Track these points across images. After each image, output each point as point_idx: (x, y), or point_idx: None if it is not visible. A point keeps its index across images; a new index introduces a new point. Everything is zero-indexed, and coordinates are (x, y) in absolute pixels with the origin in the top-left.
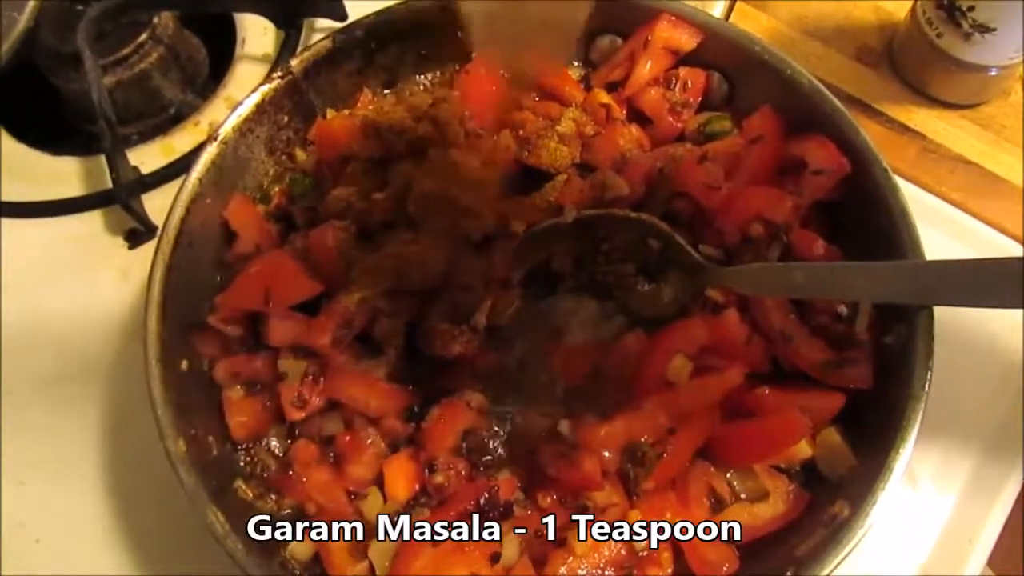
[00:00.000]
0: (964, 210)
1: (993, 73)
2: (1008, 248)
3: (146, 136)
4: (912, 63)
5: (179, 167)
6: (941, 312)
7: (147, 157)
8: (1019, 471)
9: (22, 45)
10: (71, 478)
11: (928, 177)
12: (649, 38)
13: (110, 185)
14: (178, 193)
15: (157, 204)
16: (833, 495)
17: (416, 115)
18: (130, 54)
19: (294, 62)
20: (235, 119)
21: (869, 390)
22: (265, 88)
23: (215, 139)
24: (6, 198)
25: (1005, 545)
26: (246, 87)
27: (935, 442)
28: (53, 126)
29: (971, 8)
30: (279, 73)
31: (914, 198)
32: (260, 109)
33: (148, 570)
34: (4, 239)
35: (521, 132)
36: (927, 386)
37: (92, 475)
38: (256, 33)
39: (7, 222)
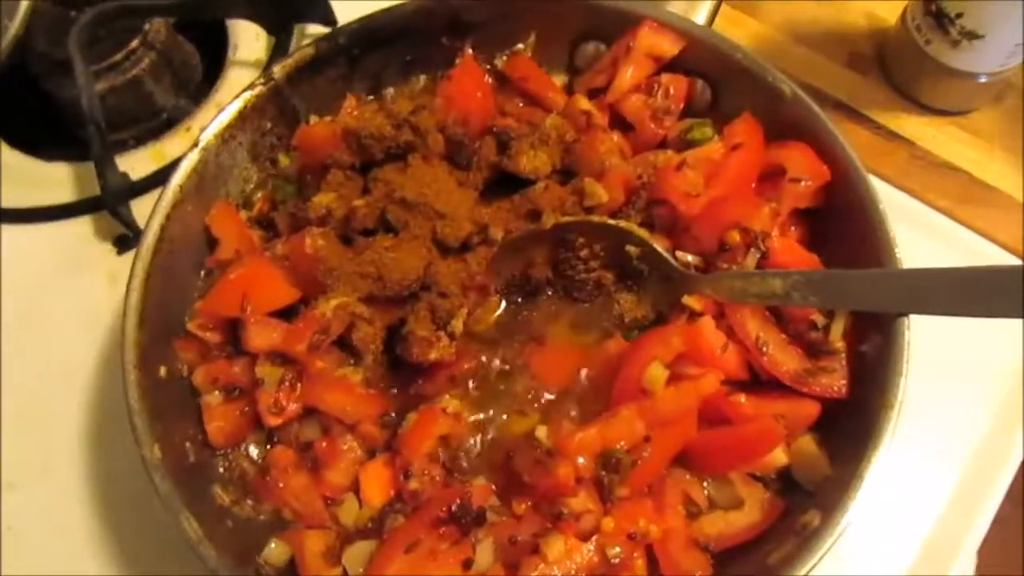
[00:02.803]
0: (951, 217)
1: (983, 80)
2: (994, 256)
3: (139, 141)
4: (902, 69)
5: (168, 173)
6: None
7: (138, 163)
8: (1006, 475)
9: (15, 51)
10: (57, 481)
11: (915, 184)
12: (631, 44)
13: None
14: (158, 200)
15: (146, 210)
16: (807, 503)
17: (396, 122)
18: (122, 60)
19: (276, 68)
20: (216, 126)
21: (845, 398)
22: (247, 95)
23: (196, 146)
24: None
25: (997, 544)
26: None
27: (921, 444)
28: (47, 131)
29: (959, 15)
30: (262, 80)
31: (901, 205)
32: (242, 115)
33: (130, 571)
34: None
35: (502, 138)
36: (901, 395)
37: (77, 478)
38: (248, 38)
39: None
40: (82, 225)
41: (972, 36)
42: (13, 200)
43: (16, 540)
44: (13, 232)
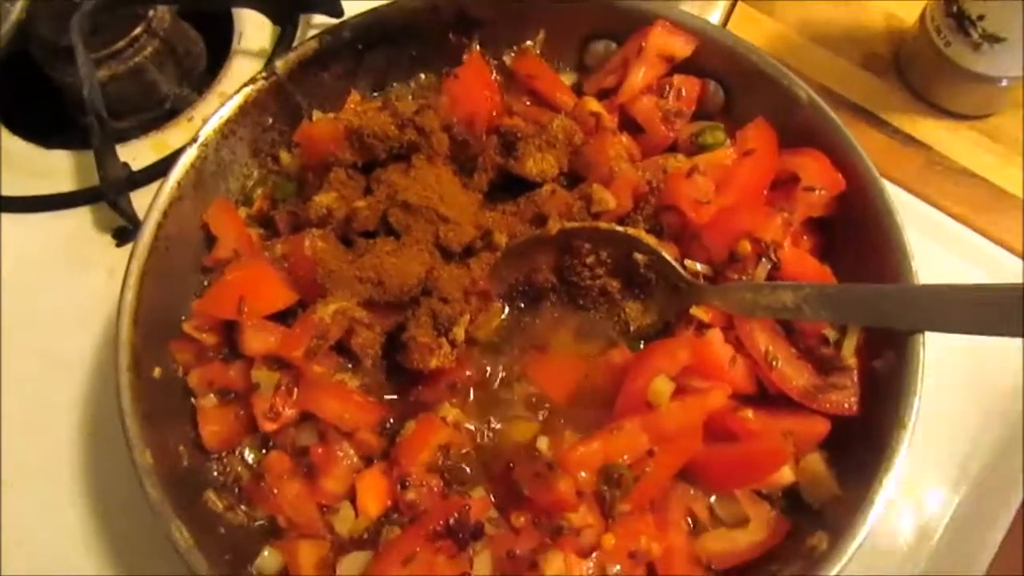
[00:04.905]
0: (967, 225)
1: (1003, 84)
2: (1010, 266)
3: (141, 130)
4: (920, 72)
5: (169, 164)
6: None
7: (139, 153)
8: (1016, 497)
9: (17, 37)
10: (51, 479)
11: (931, 190)
12: (643, 44)
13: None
14: (155, 198)
15: (147, 201)
16: (814, 524)
17: (400, 122)
18: (125, 47)
19: (279, 63)
20: (216, 121)
21: (856, 415)
22: (248, 90)
23: (195, 141)
24: None
25: (1003, 547)
26: (241, 83)
27: (931, 459)
28: (49, 118)
29: (981, 17)
30: (263, 74)
31: (916, 212)
32: (243, 111)
33: (124, 571)
34: None
35: (508, 138)
36: (915, 415)
37: (73, 475)
38: (253, 27)
39: None
40: (81, 216)
41: (994, 39)
42: (12, 188)
43: (10, 538)
44: (10, 221)
